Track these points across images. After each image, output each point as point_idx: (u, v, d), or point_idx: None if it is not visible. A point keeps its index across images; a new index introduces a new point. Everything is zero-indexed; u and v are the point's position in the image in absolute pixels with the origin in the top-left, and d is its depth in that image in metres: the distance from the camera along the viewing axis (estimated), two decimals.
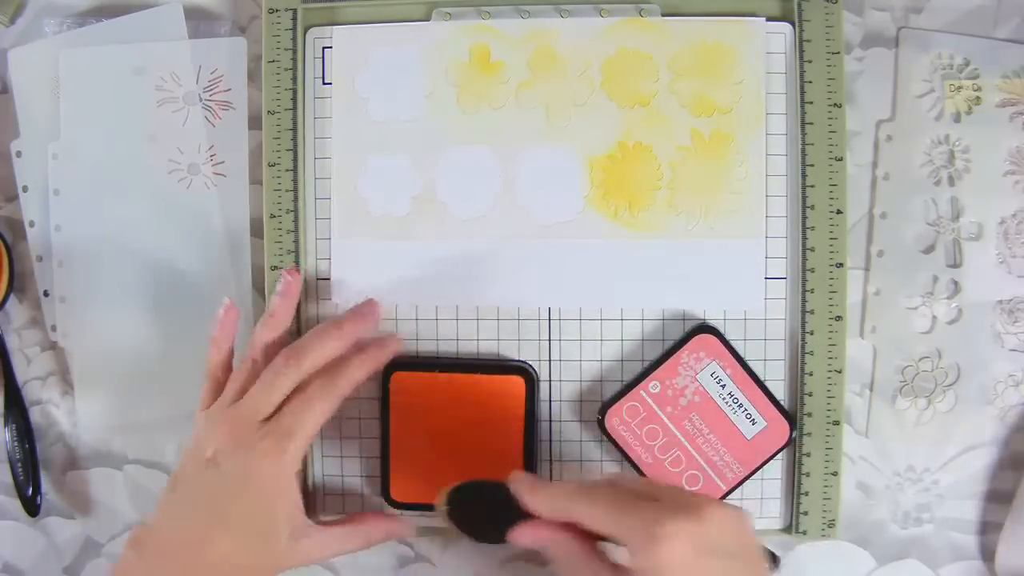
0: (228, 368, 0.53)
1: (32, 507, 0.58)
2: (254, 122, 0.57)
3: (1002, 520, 0.55)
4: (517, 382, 0.54)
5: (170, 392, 0.57)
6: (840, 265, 0.53)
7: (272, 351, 0.51)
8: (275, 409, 0.49)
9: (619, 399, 0.54)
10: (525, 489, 0.46)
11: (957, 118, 0.55)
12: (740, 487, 0.54)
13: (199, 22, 0.57)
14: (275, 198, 0.55)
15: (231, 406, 0.50)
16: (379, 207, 0.55)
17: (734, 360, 0.54)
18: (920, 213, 0.55)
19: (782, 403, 0.54)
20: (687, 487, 0.52)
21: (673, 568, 0.42)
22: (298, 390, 0.50)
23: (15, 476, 0.58)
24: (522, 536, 0.46)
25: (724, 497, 0.54)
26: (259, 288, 0.57)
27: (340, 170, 0.55)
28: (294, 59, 0.54)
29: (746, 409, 0.54)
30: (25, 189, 0.58)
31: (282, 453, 0.48)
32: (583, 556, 0.45)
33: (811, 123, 0.53)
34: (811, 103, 0.53)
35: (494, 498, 0.47)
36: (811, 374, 0.54)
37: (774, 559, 0.50)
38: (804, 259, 0.53)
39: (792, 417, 0.54)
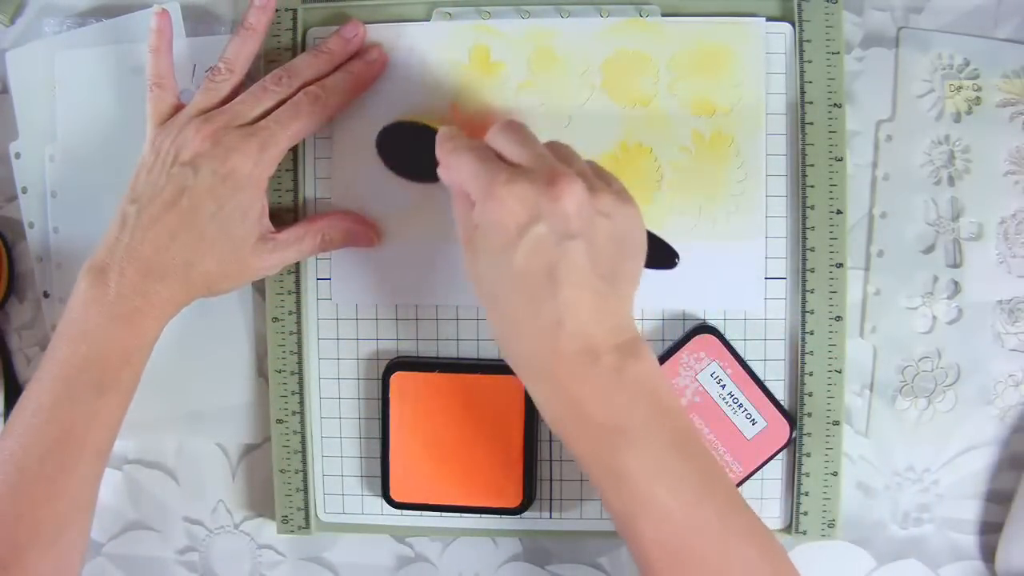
0: (172, 75, 0.53)
1: None
2: None
3: (1002, 520, 0.55)
4: (517, 382, 0.53)
5: (170, 392, 0.57)
6: (840, 265, 0.53)
7: (246, 62, 0.53)
8: (256, 120, 0.51)
9: None
10: (440, 137, 0.47)
11: (957, 118, 0.55)
12: (740, 487, 0.54)
13: (198, 21, 0.57)
14: (275, 198, 0.55)
15: (216, 112, 0.51)
16: (379, 207, 0.55)
17: (734, 360, 0.54)
18: (920, 213, 0.55)
19: (782, 403, 0.54)
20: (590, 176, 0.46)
21: (501, 229, 0.42)
22: (285, 103, 0.51)
23: None
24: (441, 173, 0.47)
25: None
26: (259, 288, 0.57)
27: (340, 170, 0.55)
28: None
29: (746, 409, 0.54)
30: (24, 190, 0.58)
31: (262, 153, 0.49)
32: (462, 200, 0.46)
33: (811, 123, 0.53)
34: (811, 103, 0.53)
35: (427, 140, 0.48)
36: (811, 374, 0.54)
37: (673, 255, 0.51)
38: (804, 259, 0.53)
39: (792, 417, 0.54)
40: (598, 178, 0.44)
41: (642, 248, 0.45)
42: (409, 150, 0.53)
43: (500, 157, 0.45)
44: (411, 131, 0.53)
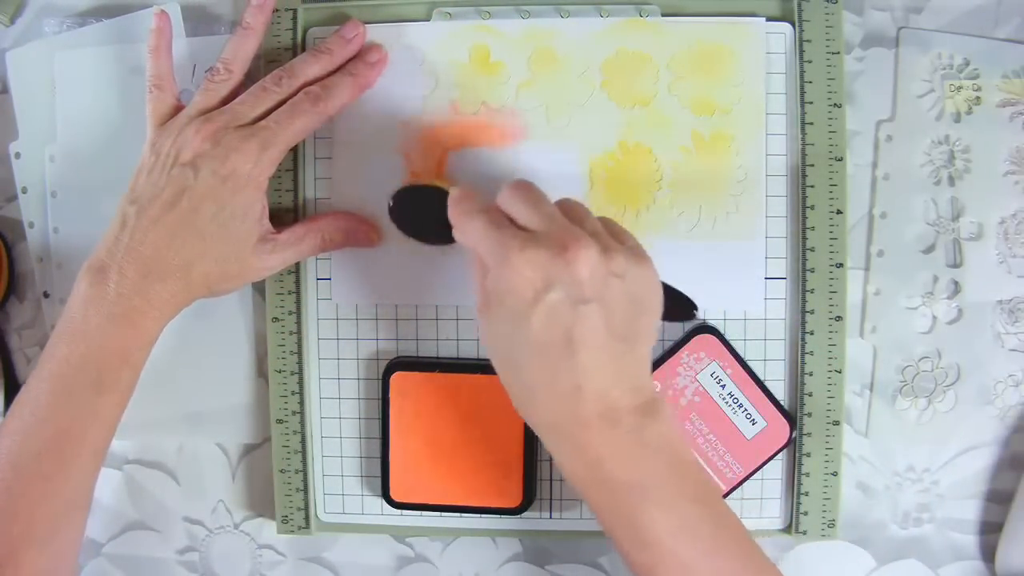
0: (171, 76, 0.53)
1: None
2: None
3: (1002, 520, 0.55)
4: None
5: (170, 392, 0.57)
6: (840, 265, 0.53)
7: (244, 62, 0.53)
8: (256, 120, 0.51)
9: None
10: (451, 201, 0.47)
11: (957, 118, 0.55)
12: (740, 487, 0.54)
13: (198, 22, 0.57)
14: (275, 198, 0.55)
15: (216, 113, 0.51)
16: (379, 207, 0.55)
17: (734, 360, 0.54)
18: (920, 213, 0.55)
19: (782, 403, 0.54)
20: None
21: (516, 296, 0.42)
22: (284, 103, 0.51)
23: None
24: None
25: (724, 497, 0.54)
26: (259, 288, 0.57)
27: (340, 170, 0.55)
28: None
29: (746, 409, 0.54)
30: (24, 190, 0.58)
31: (262, 153, 0.49)
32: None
33: (811, 123, 0.53)
34: (811, 103, 0.53)
35: (440, 203, 0.48)
36: (811, 374, 0.54)
37: (691, 306, 0.50)
38: (804, 259, 0.53)
39: (792, 417, 0.54)
40: (611, 236, 0.45)
41: (657, 304, 0.46)
42: (423, 214, 0.51)
43: (512, 220, 0.45)
44: (423, 194, 0.51)
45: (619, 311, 0.43)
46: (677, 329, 0.55)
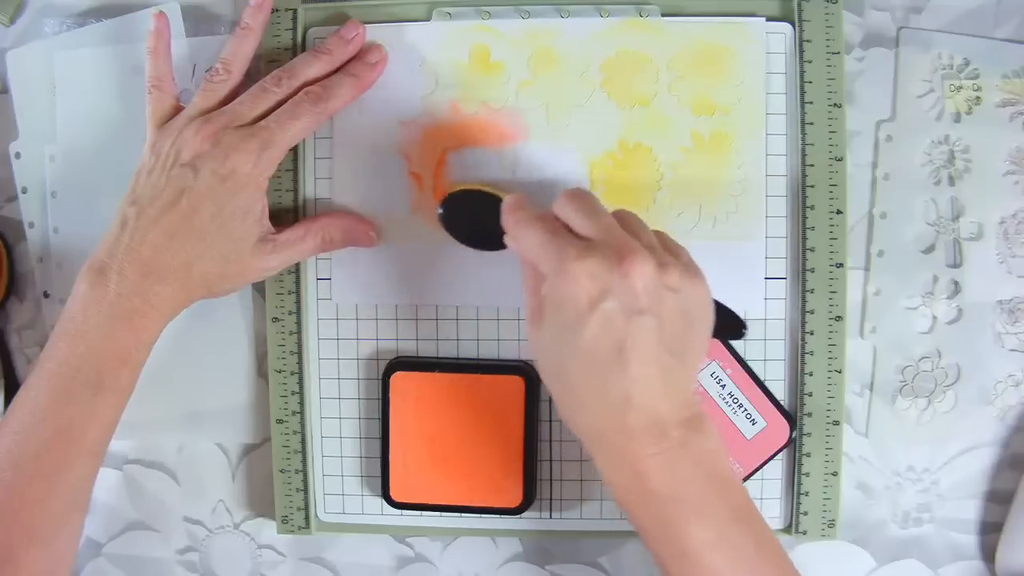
0: (171, 77, 0.53)
1: None
2: None
3: (1002, 520, 0.55)
4: (517, 382, 0.54)
5: (170, 392, 0.57)
6: (840, 265, 0.53)
7: (244, 62, 0.53)
8: (256, 120, 0.51)
9: None
10: (505, 208, 0.47)
11: (957, 118, 0.55)
12: None
13: (198, 22, 0.57)
14: (275, 198, 0.55)
15: (216, 113, 0.51)
16: (379, 207, 0.55)
17: (734, 360, 0.54)
18: (920, 213, 0.55)
19: (782, 403, 0.54)
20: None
21: (572, 304, 0.42)
22: (284, 103, 0.51)
23: None
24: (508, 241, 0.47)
25: None
26: (259, 288, 0.57)
27: (340, 170, 0.55)
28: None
29: (746, 409, 0.54)
30: (24, 190, 0.58)
31: (262, 153, 0.49)
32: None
33: (811, 123, 0.53)
34: (811, 103, 0.53)
35: (492, 208, 0.48)
36: (811, 374, 0.54)
37: (740, 325, 0.50)
38: (804, 259, 0.53)
39: (792, 417, 0.54)
40: (666, 250, 0.45)
41: (709, 321, 0.46)
42: (474, 219, 0.52)
43: (568, 228, 0.45)
44: (475, 199, 0.52)
45: (672, 325, 0.43)
46: None
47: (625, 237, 0.44)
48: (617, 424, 0.43)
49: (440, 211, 0.52)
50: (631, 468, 0.43)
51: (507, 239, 0.47)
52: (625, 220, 0.46)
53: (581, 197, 0.45)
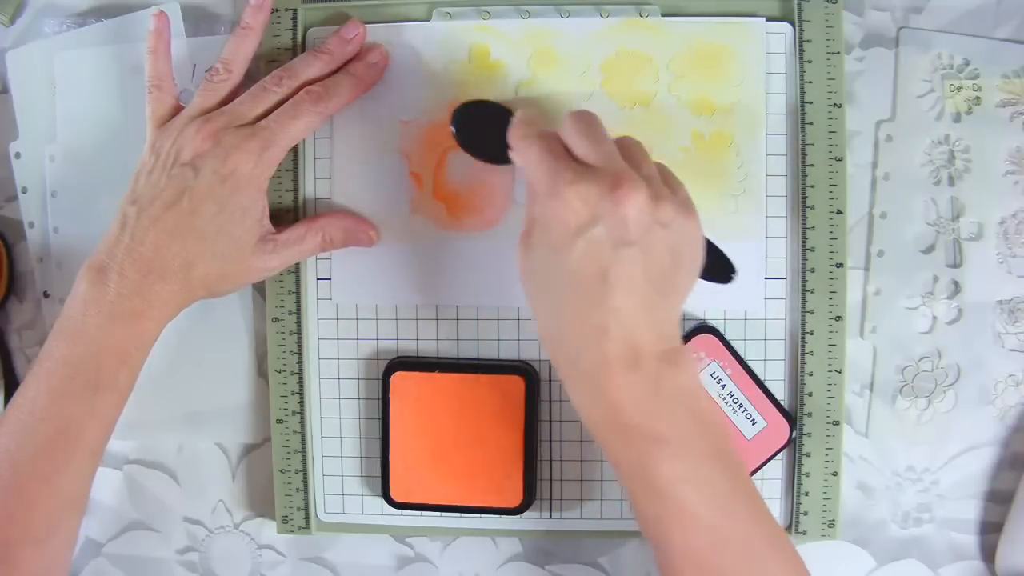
0: (171, 77, 0.53)
1: None
2: None
3: (1002, 520, 0.55)
4: (517, 382, 0.54)
5: (170, 392, 0.57)
6: (840, 265, 0.53)
7: (244, 62, 0.53)
8: (256, 120, 0.51)
9: None
10: (513, 123, 0.47)
11: (957, 118, 0.55)
12: None
13: (198, 22, 0.57)
14: (275, 198, 0.55)
15: (216, 113, 0.51)
16: (379, 207, 0.55)
17: (734, 360, 0.54)
18: (920, 213, 0.55)
19: (782, 403, 0.54)
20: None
21: (560, 227, 0.42)
22: (285, 103, 0.51)
23: None
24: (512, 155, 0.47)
25: None
26: (259, 288, 0.57)
27: (340, 170, 0.55)
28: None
29: (746, 409, 0.54)
30: (24, 190, 0.58)
31: (262, 153, 0.49)
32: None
33: (811, 123, 0.53)
34: (811, 103, 0.53)
35: (503, 122, 0.48)
36: (811, 374, 0.54)
37: (731, 269, 0.50)
38: (804, 259, 0.53)
39: (792, 417, 0.54)
40: (665, 184, 0.44)
41: (697, 261, 0.46)
42: (484, 130, 0.51)
43: (569, 151, 0.45)
44: (488, 110, 0.52)
45: (658, 260, 0.43)
46: None
47: (623, 166, 0.43)
48: (594, 352, 0.43)
49: (452, 115, 0.52)
50: (605, 399, 0.43)
51: (512, 154, 0.47)
52: (627, 148, 0.45)
53: (585, 120, 0.45)
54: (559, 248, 0.43)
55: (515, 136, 0.47)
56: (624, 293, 0.42)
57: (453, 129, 0.52)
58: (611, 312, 0.42)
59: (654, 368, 0.42)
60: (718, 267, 0.50)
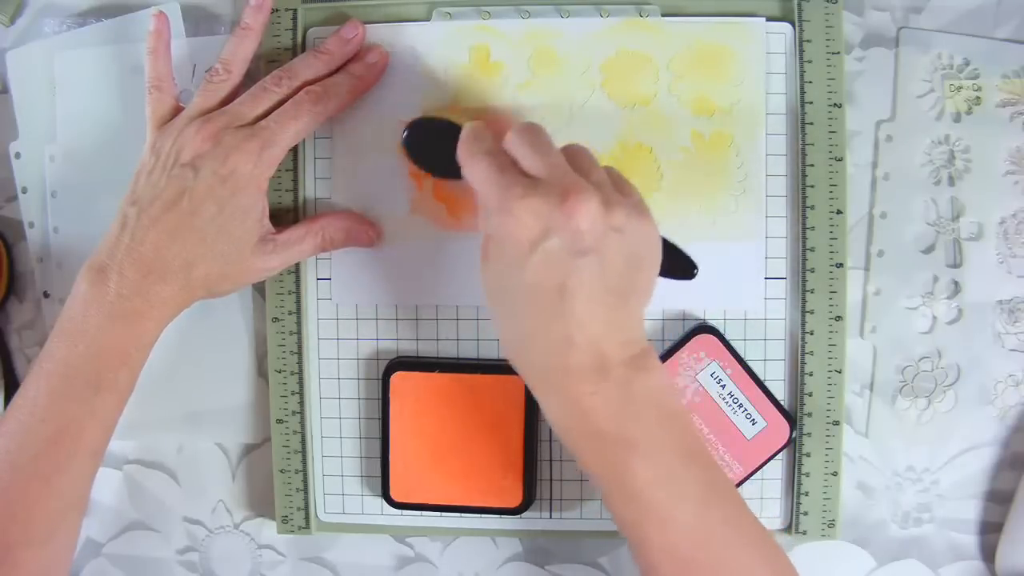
0: (170, 77, 0.53)
1: None
2: None
3: (1002, 520, 0.55)
4: (517, 382, 0.54)
5: (170, 392, 0.57)
6: (840, 265, 0.53)
7: (243, 62, 0.53)
8: (256, 120, 0.51)
9: None
10: (461, 139, 0.47)
11: (957, 118, 0.55)
12: (740, 487, 0.54)
13: (198, 22, 0.57)
14: (275, 198, 0.55)
15: (216, 113, 0.51)
16: (379, 207, 0.55)
17: (734, 360, 0.54)
18: (920, 213, 0.55)
19: (782, 403, 0.54)
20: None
21: (514, 243, 0.42)
22: (284, 103, 0.51)
23: None
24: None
25: None
26: (259, 288, 0.57)
27: (340, 170, 0.55)
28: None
29: (746, 409, 0.54)
30: (24, 190, 0.58)
31: (262, 153, 0.49)
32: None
33: (811, 123, 0.53)
34: (811, 103, 0.53)
35: (453, 138, 0.48)
36: (811, 374, 0.54)
37: (691, 266, 0.50)
38: (804, 259, 0.53)
39: (792, 417, 0.54)
40: (616, 189, 0.44)
41: (655, 261, 0.46)
42: (435, 146, 0.51)
43: (517, 165, 0.45)
44: (437, 127, 0.52)
45: (616, 265, 0.43)
46: (677, 329, 0.55)
47: (572, 175, 0.43)
48: (560, 363, 0.43)
49: (403, 133, 0.52)
50: (575, 407, 0.43)
51: (462, 171, 0.47)
52: (575, 156, 0.45)
53: (530, 132, 0.45)
54: (515, 263, 0.43)
55: (463, 152, 0.46)
56: (585, 302, 0.42)
57: (406, 147, 0.52)
58: (574, 322, 0.42)
59: (622, 374, 0.43)
60: (678, 265, 0.50)
